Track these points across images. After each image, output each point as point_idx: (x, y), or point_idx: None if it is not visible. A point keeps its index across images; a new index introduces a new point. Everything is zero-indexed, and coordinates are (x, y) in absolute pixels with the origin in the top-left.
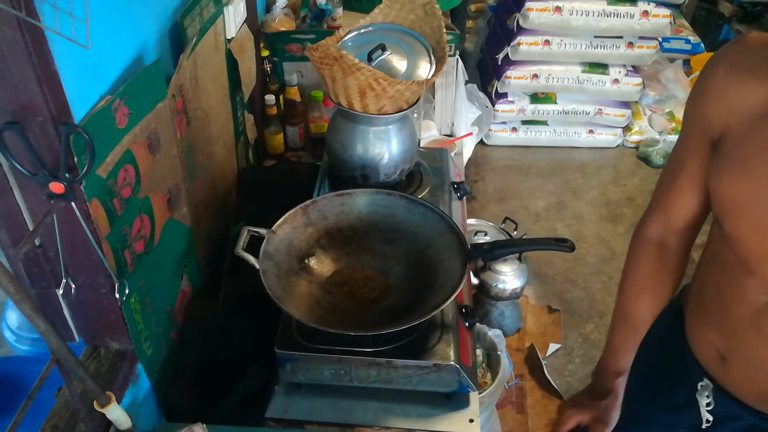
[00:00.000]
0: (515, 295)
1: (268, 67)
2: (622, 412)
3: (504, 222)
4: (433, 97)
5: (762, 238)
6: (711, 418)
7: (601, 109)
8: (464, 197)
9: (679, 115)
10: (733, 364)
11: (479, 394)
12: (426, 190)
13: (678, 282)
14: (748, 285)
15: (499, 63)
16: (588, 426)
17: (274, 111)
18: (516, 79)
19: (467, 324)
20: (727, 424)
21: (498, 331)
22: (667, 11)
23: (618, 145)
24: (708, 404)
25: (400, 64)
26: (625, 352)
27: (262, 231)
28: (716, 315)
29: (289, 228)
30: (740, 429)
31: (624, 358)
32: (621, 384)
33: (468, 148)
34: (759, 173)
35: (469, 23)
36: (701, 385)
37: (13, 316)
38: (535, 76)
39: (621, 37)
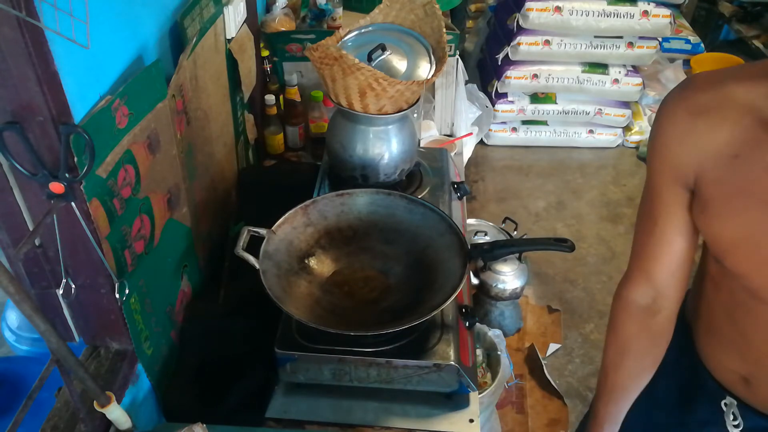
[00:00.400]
0: (515, 295)
1: (268, 67)
2: None
3: (504, 222)
4: (433, 97)
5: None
6: None
7: (601, 109)
8: (464, 197)
9: None
10: (759, 386)
11: (479, 394)
12: (426, 190)
13: (665, 346)
14: (764, 313)
15: (499, 63)
16: None
17: (274, 111)
18: (516, 79)
19: (467, 324)
20: None
21: (498, 331)
22: (667, 11)
23: (618, 145)
24: (734, 420)
25: (400, 64)
26: (610, 423)
27: (262, 231)
28: (733, 342)
29: (289, 228)
30: None
31: (609, 426)
32: None
33: (468, 148)
34: (748, 214)
35: (469, 23)
36: (725, 403)
37: (13, 316)
38: (535, 76)
39: (621, 37)
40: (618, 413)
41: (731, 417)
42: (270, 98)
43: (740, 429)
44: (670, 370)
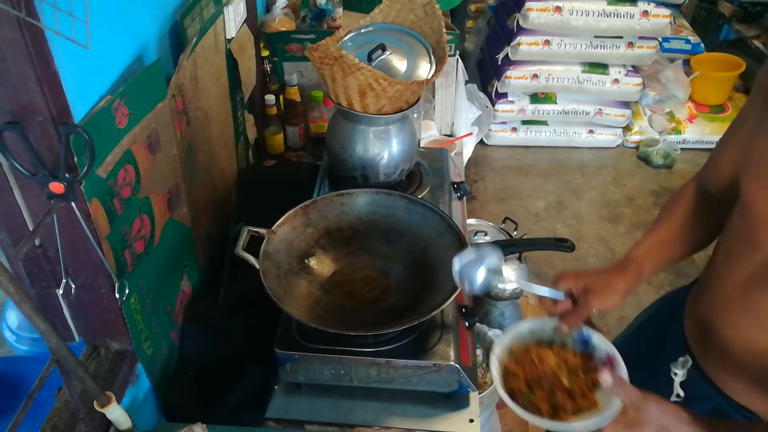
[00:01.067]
0: (515, 295)
1: (268, 67)
2: None
3: (504, 222)
4: (433, 97)
5: (765, 200)
6: (682, 394)
7: (601, 109)
8: (464, 197)
9: (679, 115)
10: (712, 339)
11: (479, 394)
12: (426, 190)
13: (712, 229)
14: (745, 254)
15: (499, 63)
16: (579, 295)
17: (274, 111)
18: (516, 79)
19: (467, 324)
20: (696, 404)
21: (498, 331)
22: (667, 11)
23: (618, 145)
24: (683, 379)
25: (400, 64)
26: (637, 258)
27: (262, 231)
28: (710, 284)
29: (289, 228)
30: (708, 410)
31: (645, 258)
32: (631, 276)
33: (468, 148)
34: None
35: (469, 23)
36: (681, 360)
37: (13, 316)
38: (535, 76)
39: (621, 37)
40: (646, 262)
41: (680, 377)
42: (270, 98)
43: (684, 391)
44: (658, 321)
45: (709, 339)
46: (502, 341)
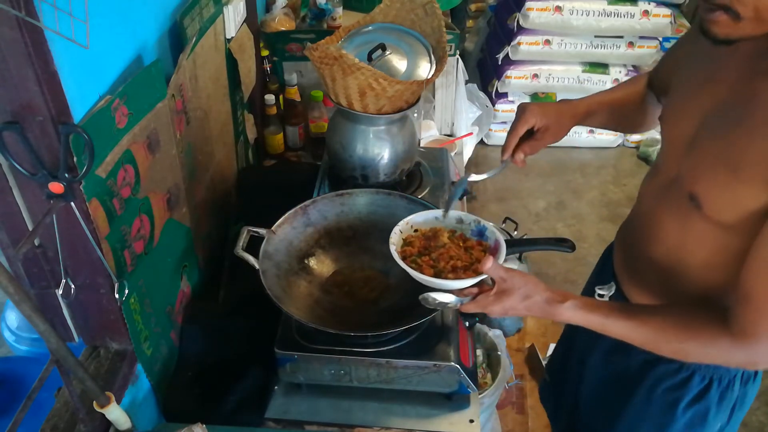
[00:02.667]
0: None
1: (267, 66)
2: None
3: (504, 222)
4: (433, 97)
5: (671, 123)
6: None
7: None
8: (464, 197)
9: None
10: (628, 261)
11: (479, 394)
12: (426, 190)
13: (635, 122)
14: (656, 174)
15: (500, 63)
16: (537, 130)
17: (273, 111)
18: (516, 78)
19: (467, 324)
20: None
21: (498, 331)
22: (667, 11)
23: (618, 145)
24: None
25: (400, 64)
26: (589, 104)
27: (262, 231)
28: (633, 210)
29: (289, 228)
30: None
31: (586, 106)
32: (572, 119)
33: (468, 148)
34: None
35: (469, 23)
36: (606, 286)
37: (12, 316)
38: (536, 75)
39: (621, 37)
40: (598, 110)
41: (605, 297)
42: (270, 98)
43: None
44: (603, 259)
45: (627, 262)
46: (409, 218)
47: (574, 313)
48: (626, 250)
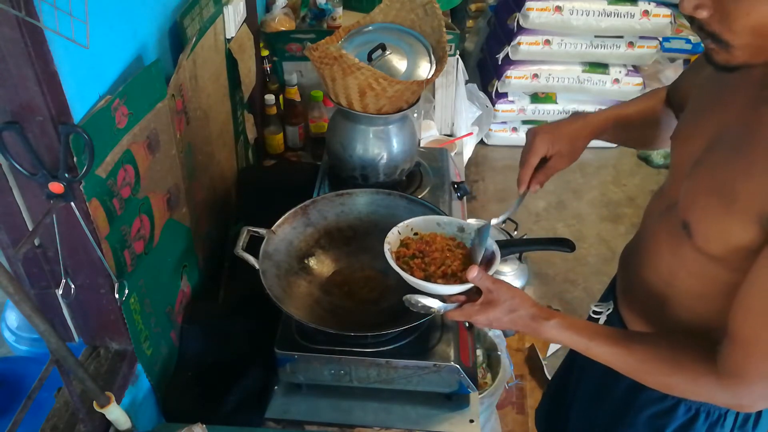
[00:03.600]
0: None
1: (267, 66)
2: None
3: (504, 222)
4: (433, 97)
5: (678, 145)
6: None
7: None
8: (464, 197)
9: None
10: (626, 284)
11: (479, 394)
12: (426, 190)
13: (655, 138)
14: (660, 198)
15: (500, 63)
16: (550, 157)
17: (273, 111)
18: (516, 78)
19: (467, 324)
20: None
21: (498, 332)
22: (667, 11)
23: (618, 145)
24: (603, 321)
25: (400, 64)
26: (604, 119)
27: (262, 231)
28: (637, 233)
29: (289, 228)
30: None
31: (600, 123)
32: (586, 139)
33: (468, 148)
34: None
35: (469, 23)
36: (605, 304)
37: (12, 317)
38: (536, 75)
39: (621, 37)
40: (614, 125)
41: (603, 320)
42: (270, 98)
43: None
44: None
45: (626, 284)
46: (411, 221)
47: (558, 332)
48: (626, 271)
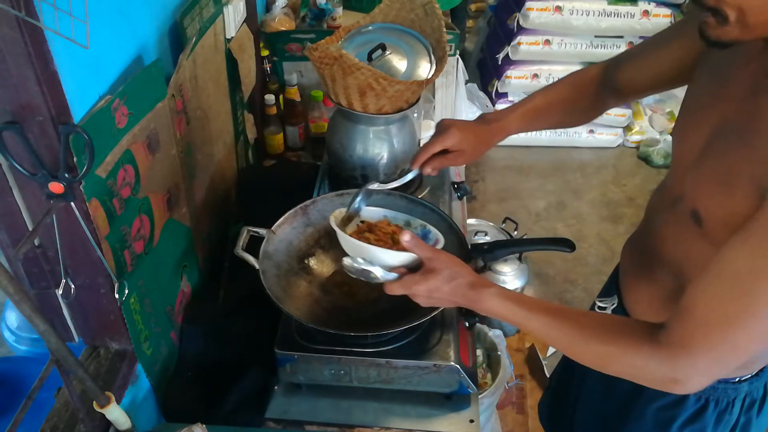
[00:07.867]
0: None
1: (267, 66)
2: None
3: (504, 222)
4: (433, 97)
5: (680, 139)
6: None
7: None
8: (464, 197)
9: None
10: (630, 276)
11: (479, 394)
12: (426, 190)
13: (582, 115)
14: (663, 193)
15: (500, 62)
16: (451, 152)
17: (273, 111)
18: (516, 78)
19: (467, 324)
20: None
21: (498, 331)
22: (667, 11)
23: (618, 145)
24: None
25: (400, 63)
26: (522, 114)
27: (262, 231)
28: (639, 227)
29: (288, 228)
30: None
31: (519, 118)
32: (501, 131)
33: None
34: (699, 81)
35: (470, 23)
36: (609, 299)
37: (12, 317)
38: (536, 75)
39: (621, 37)
40: (531, 119)
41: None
42: (270, 98)
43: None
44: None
45: (630, 277)
46: (363, 211)
47: (498, 302)
48: (630, 264)
